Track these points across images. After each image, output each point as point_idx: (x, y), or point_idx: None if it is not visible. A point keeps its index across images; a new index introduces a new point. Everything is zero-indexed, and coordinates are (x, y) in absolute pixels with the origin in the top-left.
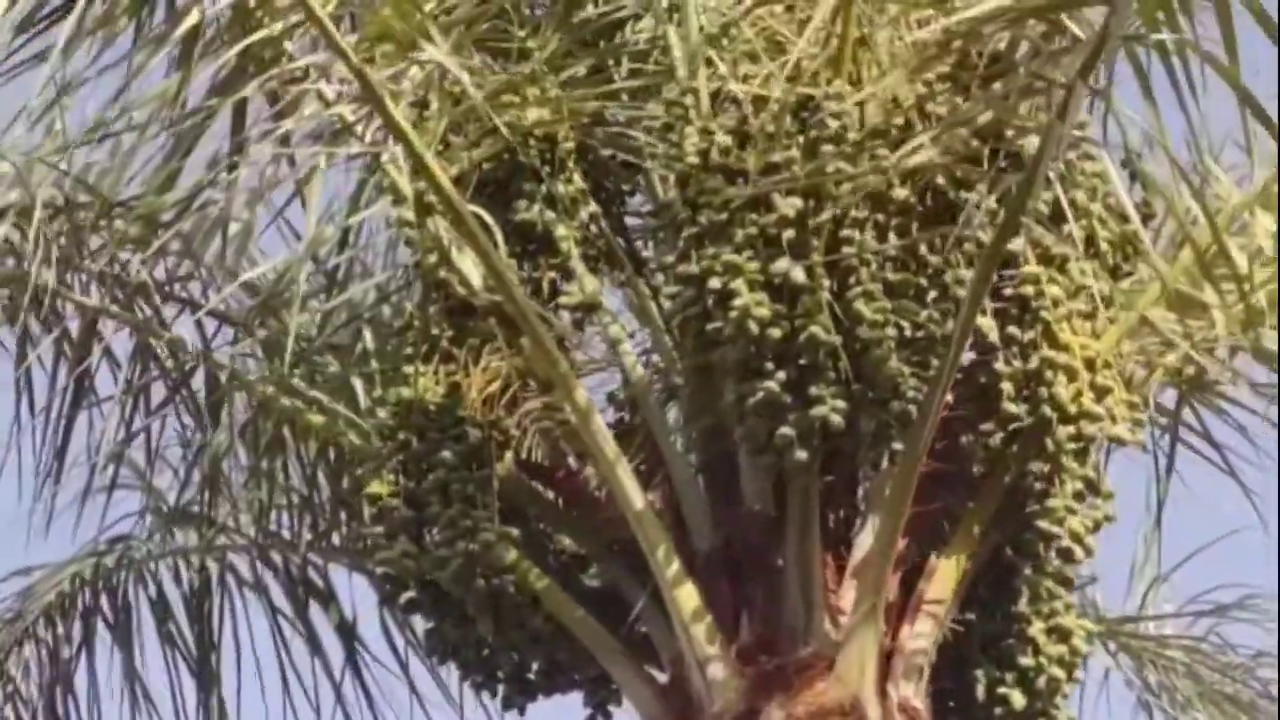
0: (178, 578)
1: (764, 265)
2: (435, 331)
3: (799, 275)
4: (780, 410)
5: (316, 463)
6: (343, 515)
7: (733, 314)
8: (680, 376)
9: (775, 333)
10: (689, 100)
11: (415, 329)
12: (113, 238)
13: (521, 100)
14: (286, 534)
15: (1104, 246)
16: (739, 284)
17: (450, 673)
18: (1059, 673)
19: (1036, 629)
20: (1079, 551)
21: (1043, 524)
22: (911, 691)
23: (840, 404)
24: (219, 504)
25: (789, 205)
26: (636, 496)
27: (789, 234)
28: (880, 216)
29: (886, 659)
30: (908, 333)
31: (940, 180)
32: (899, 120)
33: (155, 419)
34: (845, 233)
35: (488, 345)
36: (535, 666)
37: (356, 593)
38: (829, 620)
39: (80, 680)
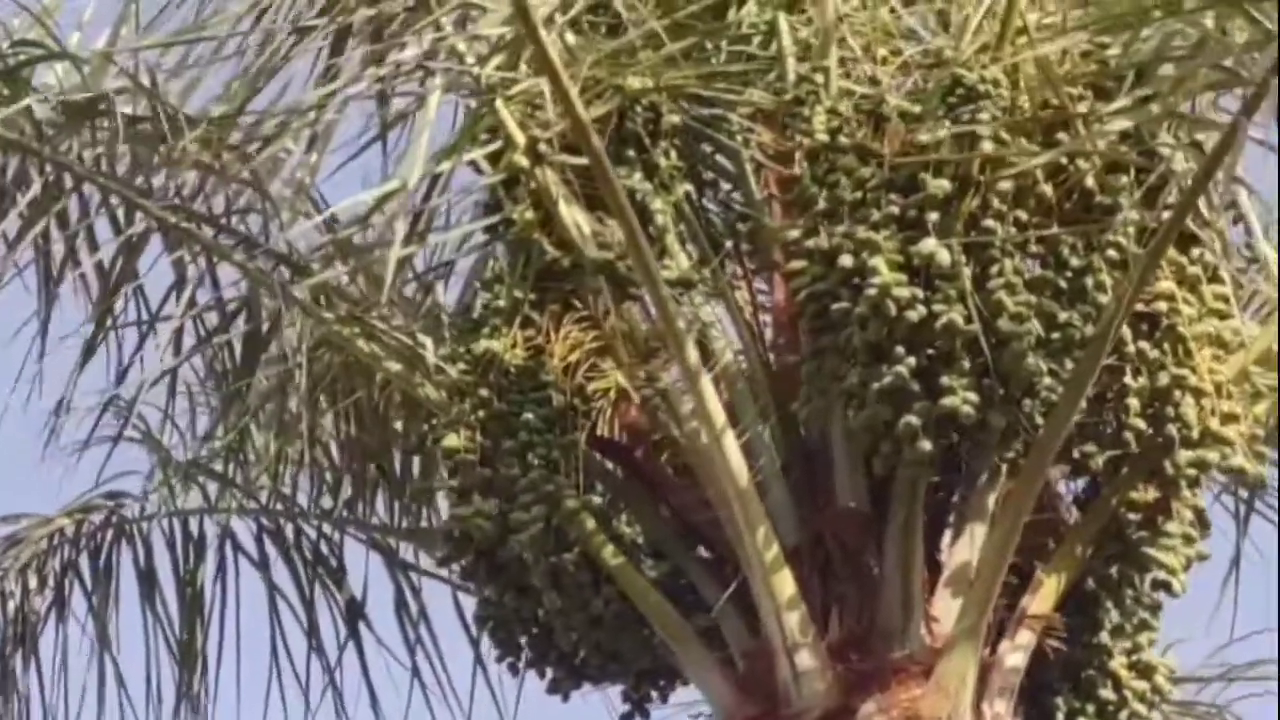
0: (171, 543)
1: (903, 246)
2: (518, 294)
3: (945, 258)
4: (908, 398)
5: (369, 419)
6: (379, 485)
7: (870, 292)
8: (772, 363)
9: (912, 315)
10: (819, 78)
11: (500, 286)
12: (177, 157)
13: (625, 68)
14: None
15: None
16: (878, 262)
17: (459, 664)
18: (1141, 709)
19: (1118, 663)
20: (1176, 585)
21: (1151, 551)
22: (1004, 709)
23: (972, 396)
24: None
25: (938, 186)
26: (742, 472)
27: (934, 216)
28: (1021, 213)
29: (983, 673)
30: (1042, 334)
31: (1088, 181)
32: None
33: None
34: (987, 223)
35: (569, 313)
36: (584, 652)
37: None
38: (924, 626)
39: (46, 645)
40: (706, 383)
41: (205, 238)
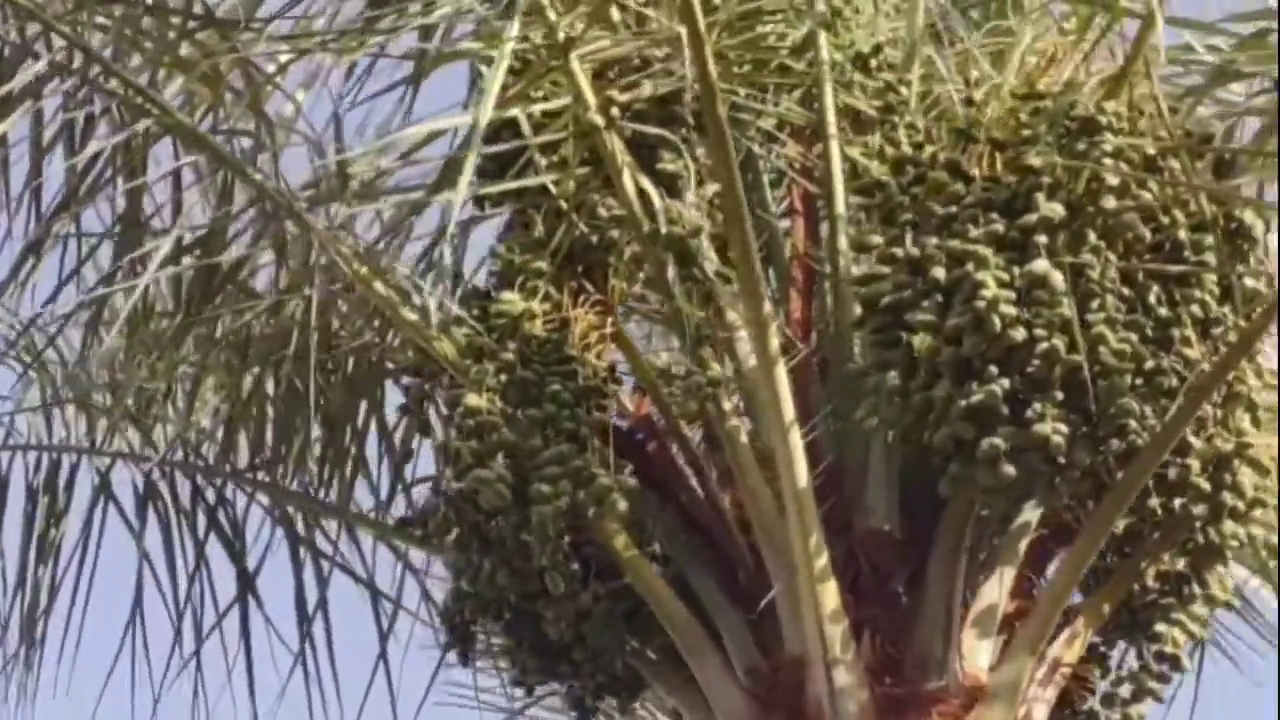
0: (30, 485)
1: (1009, 264)
2: (543, 264)
3: (1058, 281)
4: (994, 419)
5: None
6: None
7: (979, 304)
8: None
9: (1016, 335)
10: (904, 90)
11: (531, 253)
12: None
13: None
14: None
15: None
16: (985, 276)
17: (359, 650)
18: None
19: None
20: (1183, 663)
21: (1182, 618)
22: None
23: (1062, 427)
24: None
25: (1051, 209)
26: (803, 471)
27: (1043, 239)
28: (1111, 254)
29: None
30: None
31: (1180, 234)
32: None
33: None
34: (1085, 257)
35: (585, 293)
36: (565, 644)
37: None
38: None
39: None
40: (780, 372)
41: (218, 146)
